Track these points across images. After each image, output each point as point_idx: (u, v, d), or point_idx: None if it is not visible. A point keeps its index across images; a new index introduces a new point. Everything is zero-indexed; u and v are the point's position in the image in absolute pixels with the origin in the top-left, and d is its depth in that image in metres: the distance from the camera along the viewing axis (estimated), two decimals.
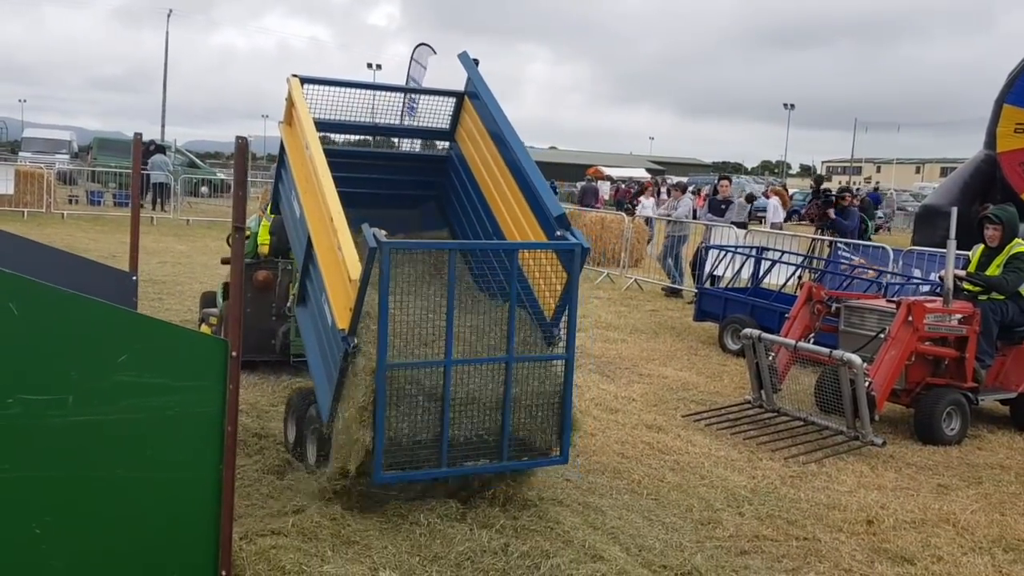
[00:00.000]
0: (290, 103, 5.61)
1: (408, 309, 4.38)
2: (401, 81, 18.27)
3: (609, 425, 6.64)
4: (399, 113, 6.71)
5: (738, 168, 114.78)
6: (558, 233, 4.65)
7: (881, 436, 6.39)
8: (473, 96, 5.88)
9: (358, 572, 3.84)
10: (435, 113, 6.20)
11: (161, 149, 28.21)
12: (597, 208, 23.59)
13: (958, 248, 7.06)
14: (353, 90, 5.92)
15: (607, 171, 52.46)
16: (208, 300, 9.33)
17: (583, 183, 32.65)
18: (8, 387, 3.05)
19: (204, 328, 8.75)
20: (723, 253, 11.23)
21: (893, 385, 6.65)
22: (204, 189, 29.78)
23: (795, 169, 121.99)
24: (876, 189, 45.45)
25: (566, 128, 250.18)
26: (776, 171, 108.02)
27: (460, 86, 5.95)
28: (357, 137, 6.96)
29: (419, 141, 6.60)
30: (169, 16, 52.74)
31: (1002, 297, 7.18)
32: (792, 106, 79.76)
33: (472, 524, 4.32)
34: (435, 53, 19.91)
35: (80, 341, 3.18)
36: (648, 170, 67.71)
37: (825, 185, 14.24)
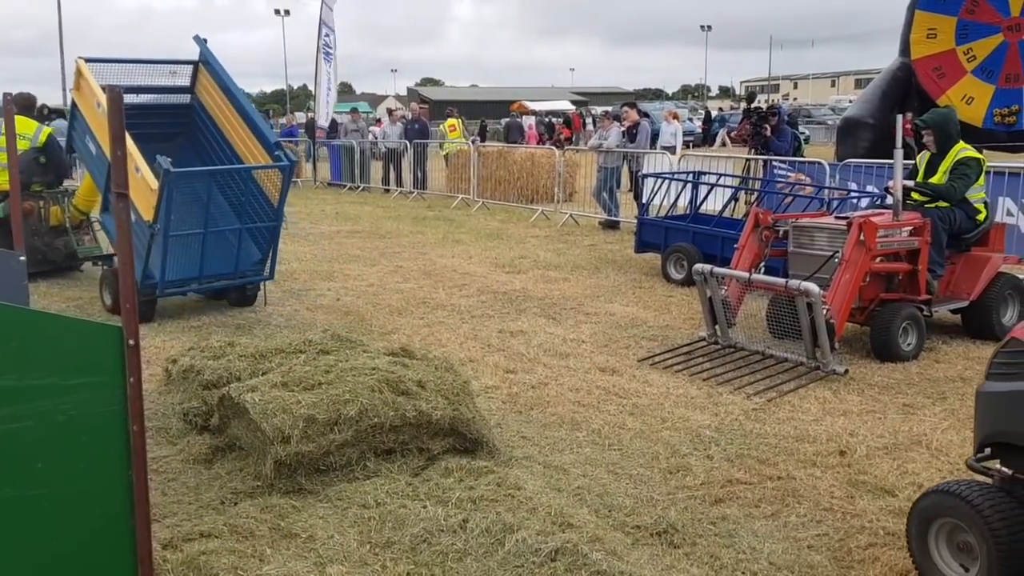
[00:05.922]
0: (78, 76, 8.19)
1: (189, 208, 7.43)
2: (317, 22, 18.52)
3: (561, 372, 6.29)
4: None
5: (659, 94, 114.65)
6: (276, 154, 7.76)
7: (843, 364, 6.18)
8: (205, 63, 8.75)
9: (302, 570, 3.42)
10: (181, 74, 9.11)
11: (60, 113, 26.51)
12: (526, 145, 23.05)
13: (877, 158, 6.83)
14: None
15: (532, 106, 51.58)
16: None
17: (507, 119, 31.96)
18: None
19: None
20: (660, 181, 10.88)
21: (850, 308, 6.42)
22: None
23: (715, 92, 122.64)
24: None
25: (491, 65, 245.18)
26: (696, 95, 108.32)
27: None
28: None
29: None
30: None
31: (947, 204, 7.00)
32: (709, 27, 79.86)
33: (426, 500, 3.93)
34: None
35: None
36: (572, 102, 66.94)
37: (755, 104, 13.89)
